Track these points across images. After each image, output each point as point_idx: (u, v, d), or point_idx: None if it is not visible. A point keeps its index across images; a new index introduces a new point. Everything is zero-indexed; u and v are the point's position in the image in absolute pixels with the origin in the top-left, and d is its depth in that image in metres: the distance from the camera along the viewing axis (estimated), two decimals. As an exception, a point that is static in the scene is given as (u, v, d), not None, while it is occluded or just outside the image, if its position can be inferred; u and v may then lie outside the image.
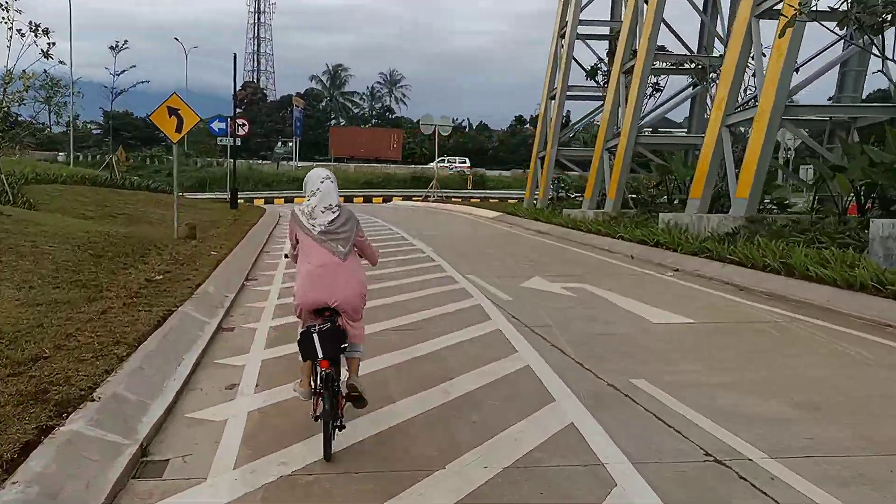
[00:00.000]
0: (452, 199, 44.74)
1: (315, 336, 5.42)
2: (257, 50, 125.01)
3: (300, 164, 72.10)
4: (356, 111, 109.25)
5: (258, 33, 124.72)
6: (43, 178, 27.57)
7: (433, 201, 42.89)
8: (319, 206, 5.78)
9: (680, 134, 32.93)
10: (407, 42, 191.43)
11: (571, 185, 33.51)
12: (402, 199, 50.29)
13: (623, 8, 30.35)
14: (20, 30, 28.59)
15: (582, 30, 30.90)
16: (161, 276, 12.52)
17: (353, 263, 5.83)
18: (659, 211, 21.95)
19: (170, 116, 18.56)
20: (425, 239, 22.04)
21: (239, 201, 35.51)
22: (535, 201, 34.01)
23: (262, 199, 54.17)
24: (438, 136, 44.26)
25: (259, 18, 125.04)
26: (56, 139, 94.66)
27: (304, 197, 5.92)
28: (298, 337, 5.56)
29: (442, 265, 16.30)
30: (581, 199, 29.68)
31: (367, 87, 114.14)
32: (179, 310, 9.84)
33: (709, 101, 24.51)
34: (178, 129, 18.69)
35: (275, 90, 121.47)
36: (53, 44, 26.48)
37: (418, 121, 42.23)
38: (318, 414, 5.51)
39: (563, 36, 31.99)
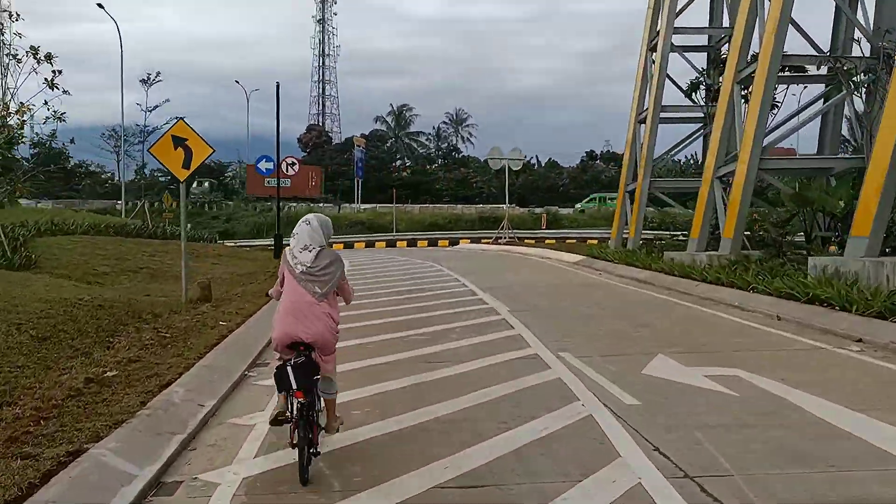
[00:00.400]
0: (525, 241, 40.36)
1: (289, 369, 5.83)
2: (322, 93, 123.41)
3: (363, 206, 68.66)
4: (422, 151, 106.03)
5: (323, 76, 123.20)
6: (60, 229, 24.15)
7: (504, 243, 38.52)
8: (297, 246, 6.21)
9: (807, 156, 27.81)
10: (470, 82, 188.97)
11: (669, 222, 28.61)
12: (470, 242, 46.02)
13: (724, 9, 25.86)
14: (16, 55, 25.59)
15: (676, 40, 26.39)
16: (114, 373, 8.51)
17: (330, 303, 6.13)
18: (794, 252, 17.27)
19: (175, 149, 14.78)
20: (498, 293, 17.74)
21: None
22: (623, 242, 29.44)
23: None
24: (508, 173, 39.96)
25: (324, 62, 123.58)
26: (126, 187, 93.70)
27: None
28: (274, 372, 5.99)
29: (522, 334, 12.01)
30: (682, 239, 25.02)
31: (433, 127, 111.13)
32: (91, 452, 5.76)
33: (848, 112, 19.95)
34: (186, 165, 14.87)
35: (340, 133, 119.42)
36: (59, 72, 23.40)
37: (486, 160, 37.65)
38: (294, 441, 5.80)
39: (653, 49, 27.53)
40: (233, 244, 46.82)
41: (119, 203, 71.06)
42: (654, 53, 27.19)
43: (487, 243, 44.19)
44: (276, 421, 5.89)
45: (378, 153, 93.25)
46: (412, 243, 48.97)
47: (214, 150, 15.45)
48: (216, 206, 65.70)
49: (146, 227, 29.62)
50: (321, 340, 5.99)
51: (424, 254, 36.64)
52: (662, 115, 26.78)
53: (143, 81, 44.08)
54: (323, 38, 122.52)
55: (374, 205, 69.85)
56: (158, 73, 44.57)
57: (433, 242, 48.56)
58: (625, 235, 29.63)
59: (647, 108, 27.40)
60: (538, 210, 67.43)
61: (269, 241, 52.63)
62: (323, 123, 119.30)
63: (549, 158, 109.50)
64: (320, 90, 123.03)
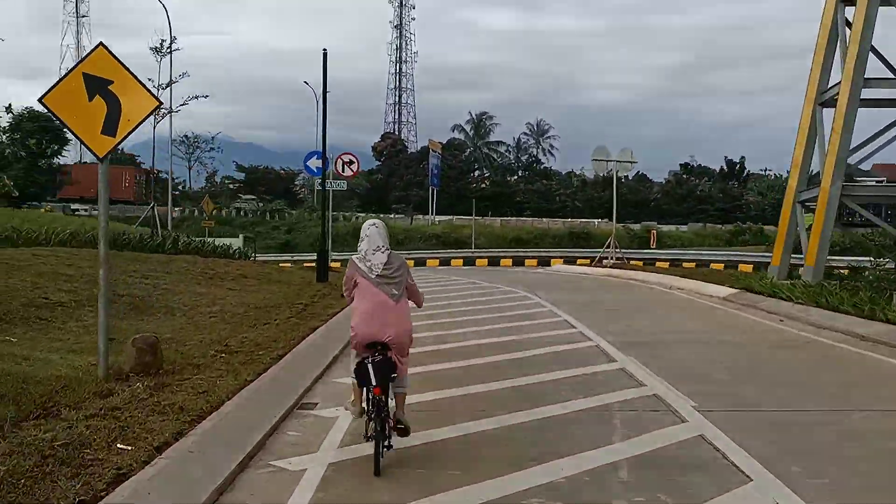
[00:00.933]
0: (632, 263, 32.72)
1: (370, 366, 6.15)
2: (398, 101, 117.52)
3: (439, 218, 61.74)
4: (501, 161, 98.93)
5: (399, 83, 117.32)
6: (28, 237, 17.69)
7: (610, 265, 30.96)
8: (370, 248, 6.51)
9: None
10: (548, 97, 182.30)
11: (873, 243, 20.35)
12: (564, 262, 38.49)
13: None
14: None
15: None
16: None
17: (404, 306, 6.46)
18: None
19: (91, 97, 7.95)
20: (653, 360, 10.51)
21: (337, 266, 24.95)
22: (788, 270, 21.75)
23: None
24: (615, 179, 32.35)
25: (400, 68, 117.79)
26: (196, 196, 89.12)
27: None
28: (353, 366, 6.38)
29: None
30: (886, 267, 17.23)
31: (513, 138, 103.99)
32: None
33: None
34: (111, 129, 8.00)
35: (416, 142, 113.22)
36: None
37: (592, 160, 30.11)
38: (369, 434, 6.24)
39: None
40: (274, 258, 40.29)
41: (177, 209, 65.80)
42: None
43: (585, 264, 36.69)
44: (364, 414, 6.41)
45: (455, 162, 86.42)
46: (494, 262, 41.78)
47: (161, 104, 8.59)
48: (278, 216, 59.71)
49: (153, 237, 23.10)
50: (399, 340, 6.32)
51: (511, 276, 29.43)
52: (866, 89, 18.85)
53: (155, 49, 36.97)
54: (400, 44, 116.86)
55: (450, 217, 62.94)
56: (174, 39, 36.81)
57: (519, 262, 41.23)
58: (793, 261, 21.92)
59: (837, 83, 19.56)
60: (634, 226, 59.61)
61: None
62: (399, 132, 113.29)
63: (638, 171, 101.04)
64: (396, 97, 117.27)
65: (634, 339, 12.62)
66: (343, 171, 28.32)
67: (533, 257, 41.54)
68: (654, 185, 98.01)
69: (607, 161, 30.54)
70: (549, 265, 39.59)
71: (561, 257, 40.35)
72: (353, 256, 6.66)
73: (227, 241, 43.85)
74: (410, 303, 6.63)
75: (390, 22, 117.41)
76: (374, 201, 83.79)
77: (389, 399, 6.27)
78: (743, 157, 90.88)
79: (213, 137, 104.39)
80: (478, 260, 41.84)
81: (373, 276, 6.34)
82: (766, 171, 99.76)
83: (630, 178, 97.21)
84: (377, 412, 6.07)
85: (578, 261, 38.15)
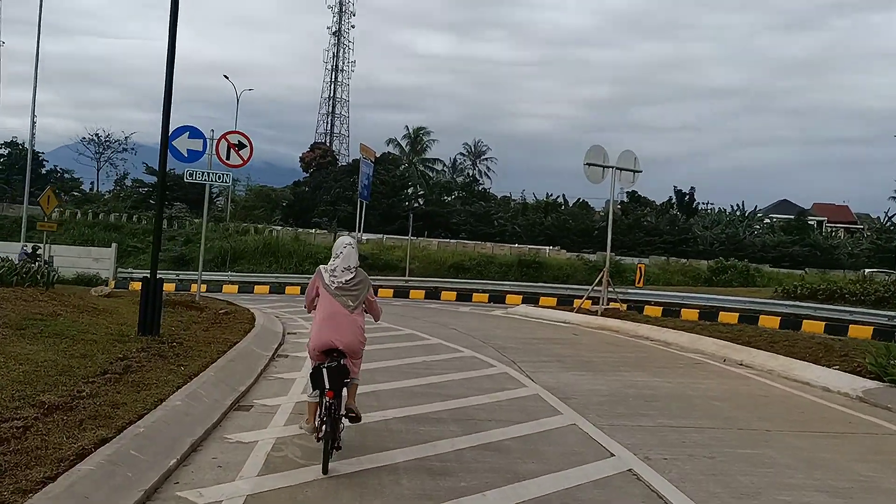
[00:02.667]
0: (624, 310, 23.41)
1: (325, 371, 6.47)
2: (332, 111, 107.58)
3: (366, 236, 52.12)
4: (437, 178, 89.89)
5: (334, 93, 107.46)
6: None
7: (602, 312, 21.66)
8: (341, 265, 6.86)
9: None
10: (479, 122, 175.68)
11: None
12: (523, 301, 29.20)
13: None
14: None
15: None
16: None
17: (359, 317, 6.86)
18: None
19: None
20: None
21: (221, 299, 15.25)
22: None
23: (299, 288, 33.94)
24: (612, 192, 23.06)
25: (336, 77, 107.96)
26: (97, 198, 77.58)
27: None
28: (311, 371, 6.65)
29: None
30: None
31: (449, 159, 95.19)
32: None
33: None
34: None
35: (348, 155, 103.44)
36: None
37: (585, 164, 20.66)
38: (320, 435, 6.50)
39: None
40: (144, 274, 29.83)
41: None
42: None
43: (548, 305, 27.56)
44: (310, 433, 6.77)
45: (388, 177, 76.99)
46: (433, 294, 32.36)
47: None
48: (177, 224, 49.24)
49: None
50: (352, 347, 6.74)
51: (466, 324, 20.17)
52: None
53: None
54: (337, 51, 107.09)
55: (380, 235, 53.42)
56: None
57: (465, 295, 31.82)
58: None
59: None
60: (590, 256, 51.01)
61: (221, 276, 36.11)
62: (330, 143, 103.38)
63: (579, 198, 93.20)
64: (330, 107, 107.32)
65: None
66: (228, 158, 18.69)
67: (482, 291, 32.21)
68: (597, 213, 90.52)
69: (604, 167, 21.53)
70: (502, 301, 30.36)
71: (517, 293, 31.10)
72: (321, 266, 7.04)
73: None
74: (368, 316, 7.11)
75: (328, 28, 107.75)
76: (297, 214, 73.82)
77: (342, 397, 6.63)
78: (693, 188, 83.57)
79: (126, 138, 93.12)
80: (413, 291, 32.40)
81: (332, 288, 6.78)
82: (707, 204, 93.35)
83: (570, 205, 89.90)
84: (328, 413, 6.40)
85: (542, 300, 29.00)
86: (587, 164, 21.25)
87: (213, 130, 18.12)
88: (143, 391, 8.37)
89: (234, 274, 36.80)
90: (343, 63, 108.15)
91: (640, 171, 22.25)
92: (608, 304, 22.07)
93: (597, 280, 22.68)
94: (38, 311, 11.90)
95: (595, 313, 21.57)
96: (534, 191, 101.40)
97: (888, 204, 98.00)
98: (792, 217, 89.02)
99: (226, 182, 18.90)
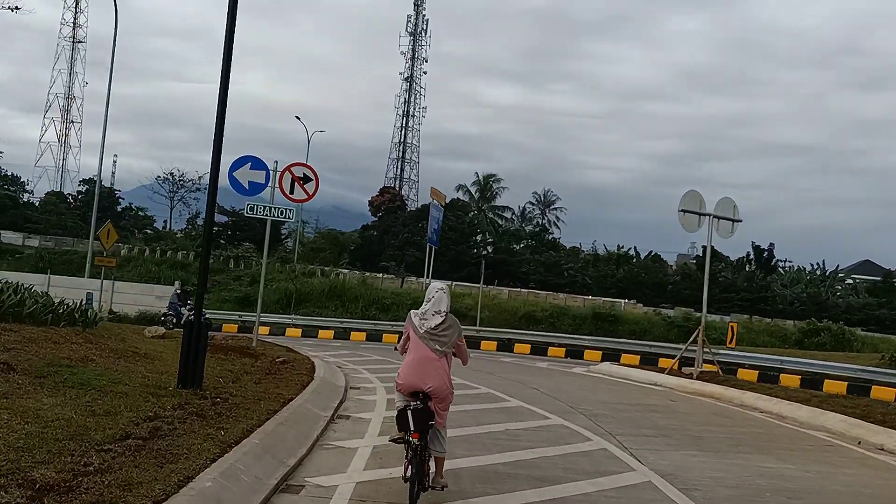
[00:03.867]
0: (717, 375, 20.81)
1: (409, 413, 6.58)
2: (402, 156, 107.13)
3: (435, 281, 50.26)
4: (506, 227, 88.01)
5: (404, 138, 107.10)
6: None
7: (698, 376, 19.22)
8: (431, 309, 6.92)
9: None
10: (546, 173, 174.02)
11: None
12: (602, 358, 26.88)
13: None
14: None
15: None
16: None
17: (446, 362, 6.87)
18: None
19: None
20: None
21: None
22: None
23: (364, 334, 32.21)
24: (710, 241, 20.67)
25: (407, 122, 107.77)
26: (168, 236, 77.95)
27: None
28: (396, 413, 6.82)
29: None
30: None
31: (518, 206, 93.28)
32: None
33: None
34: None
35: (417, 201, 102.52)
36: None
37: (680, 211, 18.51)
38: (407, 476, 6.58)
39: None
40: (216, 315, 28.36)
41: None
42: None
43: (631, 364, 25.21)
44: (394, 441, 6.83)
45: (457, 224, 75.46)
46: (506, 346, 30.28)
47: None
48: (244, 263, 48.29)
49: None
50: (438, 391, 6.73)
51: (541, 380, 18.09)
52: None
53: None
54: (409, 97, 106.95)
55: (448, 282, 51.65)
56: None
57: (540, 349, 29.64)
58: None
59: None
60: (668, 311, 48.28)
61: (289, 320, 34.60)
62: (400, 188, 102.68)
63: (651, 251, 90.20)
64: (400, 152, 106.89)
65: None
66: (292, 192, 17.15)
67: (558, 345, 29.97)
68: (668, 266, 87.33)
69: (701, 214, 19.34)
70: (580, 357, 28.10)
71: (596, 348, 28.77)
72: (412, 311, 7.11)
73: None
74: (456, 359, 7.12)
75: (400, 73, 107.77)
76: (364, 258, 72.72)
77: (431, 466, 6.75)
78: (772, 245, 79.78)
79: (199, 177, 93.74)
80: (484, 342, 30.38)
81: (421, 332, 6.83)
82: (785, 262, 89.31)
83: (642, 258, 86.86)
84: (415, 455, 6.47)
85: (623, 357, 26.64)
86: (682, 210, 19.09)
87: (276, 162, 16.56)
88: (168, 464, 6.57)
89: (299, 317, 35.31)
90: (414, 109, 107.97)
91: (740, 221, 19.97)
92: (701, 368, 19.64)
93: (691, 339, 20.32)
94: (67, 355, 10.27)
95: (689, 376, 19.17)
96: (603, 242, 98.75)
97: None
98: (875, 278, 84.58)
99: (289, 217, 17.33)
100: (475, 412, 12.21)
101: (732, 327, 23.76)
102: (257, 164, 16.88)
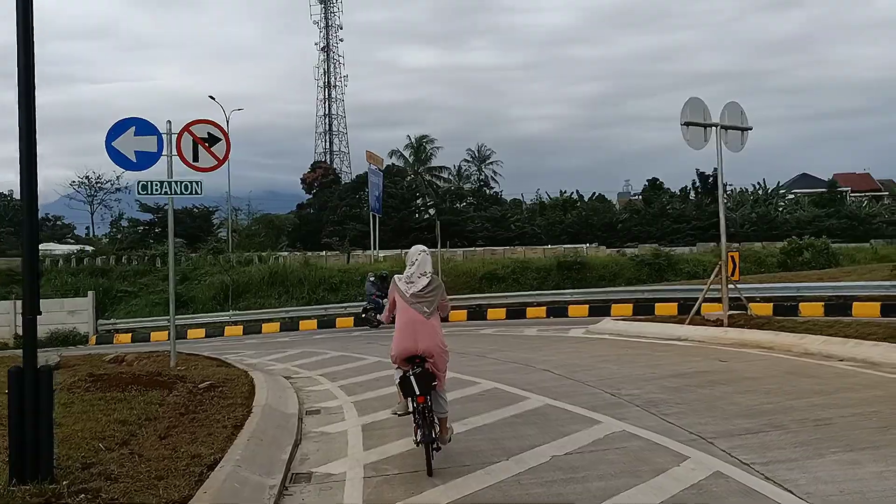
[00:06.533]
0: (752, 311, 17.05)
1: (412, 378, 6.50)
2: (329, 129, 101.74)
3: (383, 253, 46.25)
4: (446, 187, 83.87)
5: (329, 110, 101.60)
6: None
7: (729, 323, 15.39)
8: (417, 272, 6.81)
9: None
10: (478, 131, 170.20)
11: None
12: (594, 314, 23.03)
13: None
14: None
15: None
16: None
17: (435, 322, 6.78)
18: None
19: None
20: None
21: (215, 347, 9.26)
22: None
23: (315, 322, 27.97)
24: (719, 154, 16.78)
25: (329, 94, 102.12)
26: (94, 243, 71.68)
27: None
28: (398, 380, 6.73)
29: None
30: None
31: (454, 166, 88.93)
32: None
33: None
34: None
35: (350, 173, 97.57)
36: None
37: (685, 124, 14.66)
38: (418, 440, 6.58)
39: None
40: (126, 324, 23.88)
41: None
42: None
43: (663, 320, 21.47)
44: (397, 414, 6.95)
45: (396, 190, 71.03)
46: (477, 313, 26.38)
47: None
48: (161, 261, 43.07)
49: None
50: (432, 351, 6.61)
51: (545, 355, 14.25)
52: None
53: None
54: (328, 68, 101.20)
55: (396, 251, 47.45)
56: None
57: (517, 312, 25.79)
58: None
59: None
60: (631, 250, 44.94)
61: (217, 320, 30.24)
62: (331, 162, 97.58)
63: (594, 192, 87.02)
64: (326, 125, 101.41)
65: None
66: (196, 160, 12.79)
67: (536, 304, 26.11)
68: (616, 205, 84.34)
69: (706, 126, 15.52)
70: (565, 314, 24.32)
71: (579, 302, 24.97)
72: (395, 276, 6.95)
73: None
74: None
75: (316, 44, 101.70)
76: (304, 238, 67.92)
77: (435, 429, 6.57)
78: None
79: (118, 177, 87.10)
80: (452, 312, 26.45)
81: (408, 296, 6.70)
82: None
83: (585, 199, 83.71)
84: (423, 419, 6.48)
85: (614, 308, 22.95)
86: (686, 123, 15.23)
87: (169, 122, 11.99)
88: None
89: (238, 312, 30.88)
90: (335, 79, 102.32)
91: (750, 129, 16.24)
92: (726, 312, 15.86)
93: (713, 276, 16.56)
94: None
95: (718, 323, 15.47)
96: (545, 191, 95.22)
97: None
98: (814, 191, 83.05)
99: (196, 192, 12.90)
100: (493, 428, 8.23)
101: (733, 258, 20.08)
102: (144, 127, 12.48)
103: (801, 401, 8.80)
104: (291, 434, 8.32)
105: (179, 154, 12.80)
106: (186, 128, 12.83)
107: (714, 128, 15.53)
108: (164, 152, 12.79)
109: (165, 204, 46.61)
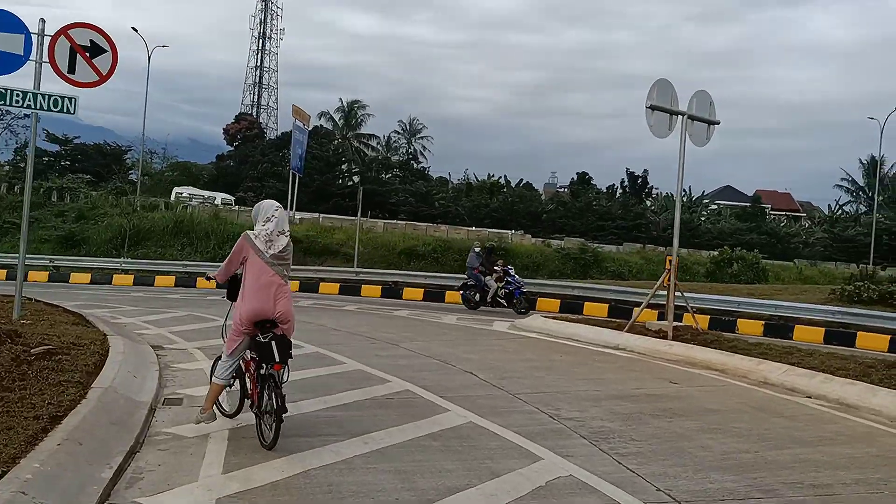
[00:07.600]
0: (698, 325, 15.55)
1: (273, 343, 6.01)
2: (259, 80, 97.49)
3: (300, 215, 43.69)
4: (373, 156, 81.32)
5: (261, 62, 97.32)
6: None
7: (674, 336, 13.79)
8: (276, 230, 6.21)
9: None
10: (410, 104, 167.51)
11: None
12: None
13: None
14: None
15: None
16: None
17: (289, 286, 6.28)
18: None
19: None
20: None
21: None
22: None
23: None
24: (682, 148, 15.19)
25: (264, 45, 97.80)
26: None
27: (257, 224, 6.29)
28: (253, 345, 6.16)
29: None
30: None
31: (383, 136, 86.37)
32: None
33: None
34: None
35: (276, 129, 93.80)
36: None
37: (650, 108, 12.90)
38: (266, 408, 5.98)
39: None
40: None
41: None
42: None
43: (599, 325, 19.81)
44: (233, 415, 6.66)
45: (321, 152, 68.14)
46: (392, 291, 24.33)
47: None
48: (69, 196, 39.59)
49: None
50: (286, 316, 6.16)
51: (471, 353, 12.33)
52: None
53: None
54: (265, 18, 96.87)
55: (315, 215, 44.97)
56: None
57: (435, 294, 23.85)
58: None
59: None
60: (557, 242, 43.56)
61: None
62: (258, 115, 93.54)
63: (521, 179, 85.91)
64: (257, 76, 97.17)
65: None
66: (72, 72, 10.30)
67: (458, 288, 24.25)
68: (542, 195, 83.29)
69: (672, 113, 13.81)
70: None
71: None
72: (248, 233, 6.30)
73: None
74: None
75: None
76: (221, 190, 64.51)
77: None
78: (646, 171, 77.12)
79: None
80: (366, 286, 24.32)
81: (267, 256, 6.14)
82: (651, 189, 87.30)
83: (512, 185, 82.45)
84: (277, 387, 5.90)
85: (540, 302, 21.25)
86: (651, 106, 13.45)
87: (42, 21, 9.33)
88: None
89: (130, 261, 28.00)
90: (271, 30, 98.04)
91: (718, 123, 14.61)
92: (671, 324, 14.27)
93: (660, 281, 14.86)
94: None
95: (660, 335, 13.82)
96: (473, 172, 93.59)
97: (830, 192, 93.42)
98: (736, 204, 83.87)
99: (68, 111, 10.37)
100: (399, 453, 6.22)
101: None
102: (7, 21, 9.91)
103: (784, 452, 7.08)
104: (131, 435, 6.13)
105: (52, 62, 10.27)
106: (63, 31, 10.30)
107: (680, 116, 13.79)
108: (33, 57, 10.25)
109: (76, 137, 43.26)
